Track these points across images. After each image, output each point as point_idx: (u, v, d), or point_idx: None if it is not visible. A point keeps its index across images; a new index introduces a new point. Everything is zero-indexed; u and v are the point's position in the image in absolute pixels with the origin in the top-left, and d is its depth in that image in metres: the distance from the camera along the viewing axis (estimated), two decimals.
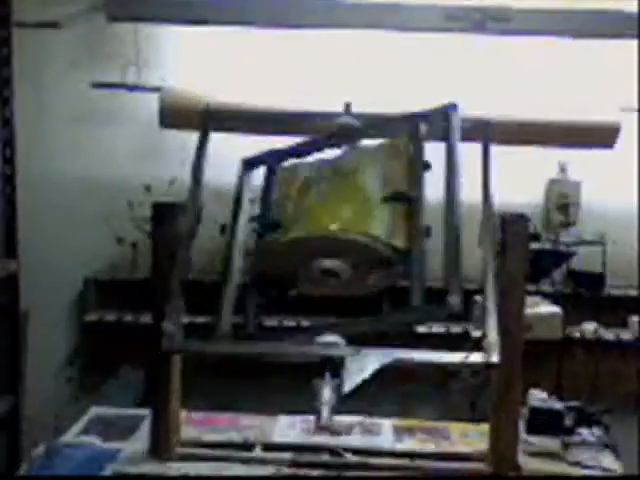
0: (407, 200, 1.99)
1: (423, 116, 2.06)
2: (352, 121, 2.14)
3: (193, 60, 3.34)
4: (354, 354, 2.00)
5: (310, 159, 2.16)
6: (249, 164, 2.16)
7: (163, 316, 2.02)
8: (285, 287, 2.09)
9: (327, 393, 1.87)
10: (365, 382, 2.02)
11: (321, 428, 2.05)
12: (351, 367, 2.08)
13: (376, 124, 2.14)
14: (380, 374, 1.97)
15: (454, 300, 1.85)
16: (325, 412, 1.86)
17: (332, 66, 3.13)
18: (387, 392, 3.09)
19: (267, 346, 1.98)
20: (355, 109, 2.26)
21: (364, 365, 2.02)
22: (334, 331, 1.97)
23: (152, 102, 3.20)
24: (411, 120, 2.06)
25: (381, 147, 2.09)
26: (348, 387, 1.91)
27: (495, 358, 1.86)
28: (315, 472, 2.05)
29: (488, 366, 1.89)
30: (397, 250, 1.96)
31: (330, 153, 2.11)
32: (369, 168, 2.05)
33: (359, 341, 2.02)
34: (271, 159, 2.17)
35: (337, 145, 2.13)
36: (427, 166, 2.04)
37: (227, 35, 3.29)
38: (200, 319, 3.11)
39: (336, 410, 1.95)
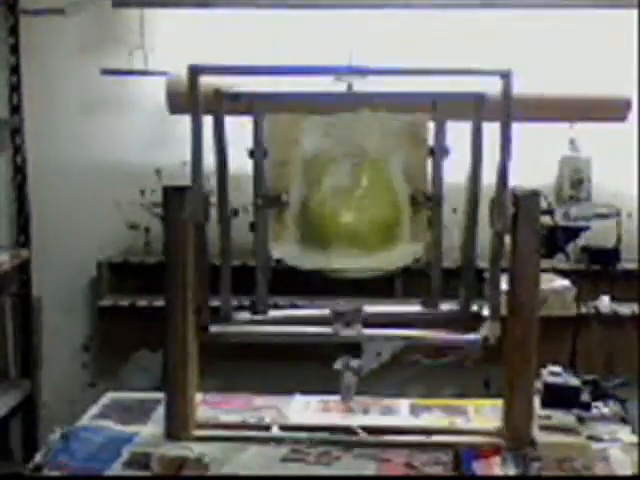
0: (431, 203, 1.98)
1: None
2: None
3: (199, 43, 3.32)
4: (371, 338, 2.02)
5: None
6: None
7: (175, 300, 2.04)
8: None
9: (348, 376, 1.91)
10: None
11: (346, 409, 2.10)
12: (368, 350, 2.09)
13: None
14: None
15: None
16: (347, 393, 1.89)
17: (343, 45, 3.11)
18: (402, 371, 3.09)
19: (286, 329, 2.06)
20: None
21: (381, 348, 2.04)
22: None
23: (160, 87, 3.20)
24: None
25: (404, 130, 2.00)
26: (366, 370, 1.93)
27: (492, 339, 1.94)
28: (334, 450, 2.06)
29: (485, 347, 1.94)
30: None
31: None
32: (395, 158, 1.99)
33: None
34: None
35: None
36: (446, 152, 2.00)
37: (235, 17, 3.28)
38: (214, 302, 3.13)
39: (356, 390, 1.98)
